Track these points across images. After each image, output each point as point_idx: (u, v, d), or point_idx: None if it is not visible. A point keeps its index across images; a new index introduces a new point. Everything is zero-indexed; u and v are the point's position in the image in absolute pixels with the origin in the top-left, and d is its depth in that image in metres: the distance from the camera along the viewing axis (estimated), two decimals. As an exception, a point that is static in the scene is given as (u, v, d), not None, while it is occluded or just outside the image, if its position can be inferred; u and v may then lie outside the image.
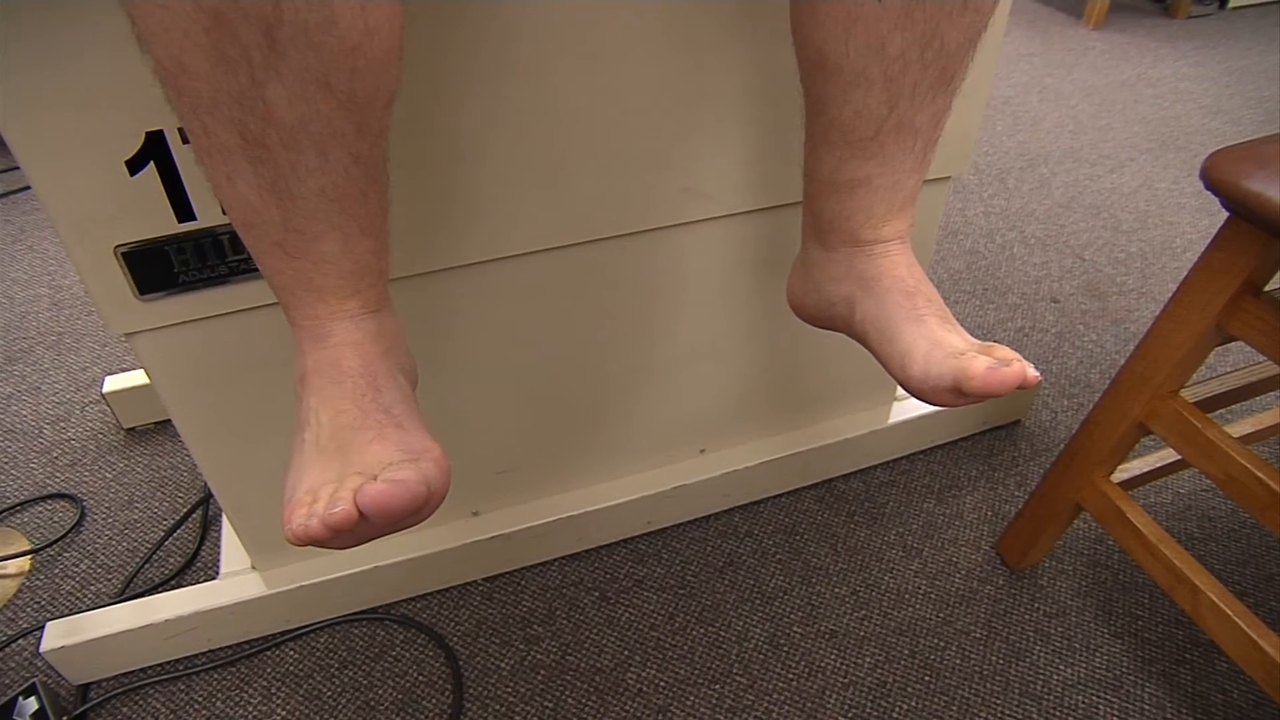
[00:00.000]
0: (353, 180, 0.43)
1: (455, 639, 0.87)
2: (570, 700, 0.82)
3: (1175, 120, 1.81)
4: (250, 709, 0.81)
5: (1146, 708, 0.81)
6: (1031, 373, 0.47)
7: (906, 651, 0.86)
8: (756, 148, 0.71)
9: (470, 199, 0.65)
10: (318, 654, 0.86)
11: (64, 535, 0.97)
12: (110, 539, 0.97)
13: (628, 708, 0.81)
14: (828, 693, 0.83)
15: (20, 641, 0.87)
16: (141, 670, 0.84)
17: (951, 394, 0.48)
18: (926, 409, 1.02)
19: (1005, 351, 0.48)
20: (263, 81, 0.38)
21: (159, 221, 0.58)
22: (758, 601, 0.91)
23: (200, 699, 0.82)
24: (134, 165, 0.55)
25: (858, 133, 0.52)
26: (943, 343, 0.50)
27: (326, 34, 0.37)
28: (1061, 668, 0.84)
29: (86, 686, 0.83)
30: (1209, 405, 0.75)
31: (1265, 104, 1.87)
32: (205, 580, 0.89)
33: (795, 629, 0.88)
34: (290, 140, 0.40)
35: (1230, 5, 2.35)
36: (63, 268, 1.39)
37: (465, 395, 0.79)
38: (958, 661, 0.85)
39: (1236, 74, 2.00)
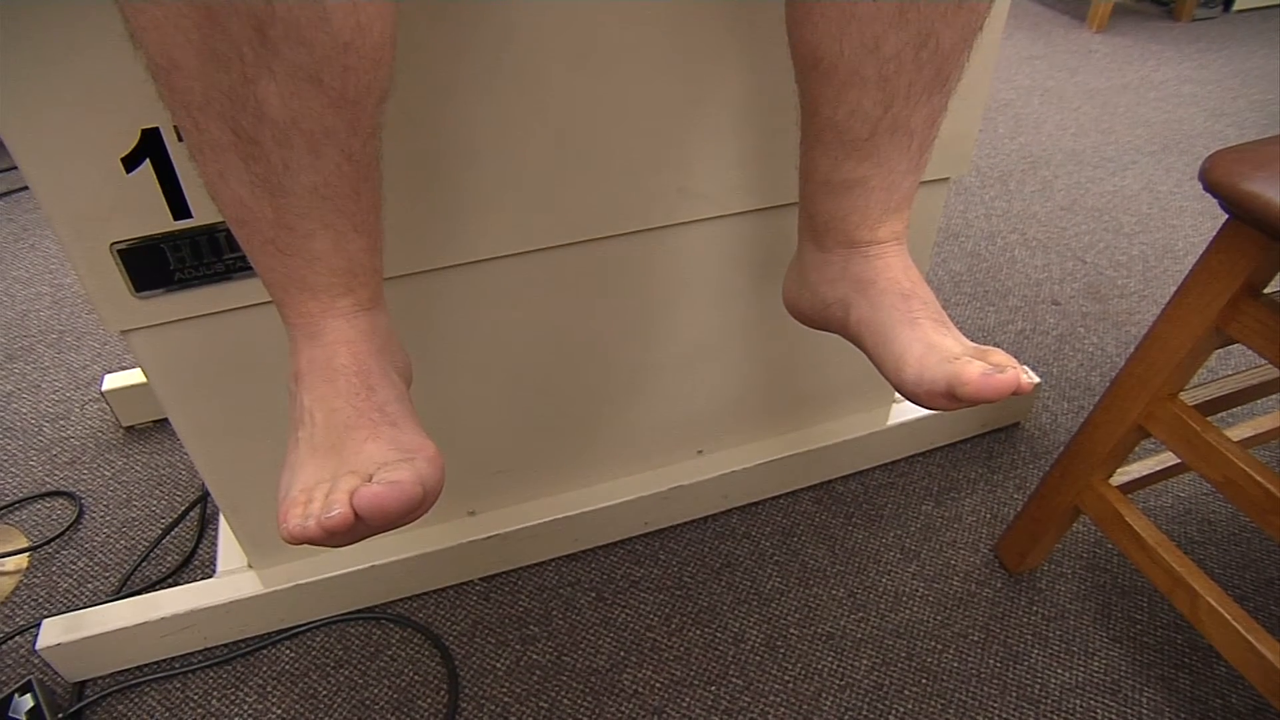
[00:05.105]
0: (345, 178, 0.43)
1: (451, 639, 0.87)
2: (566, 701, 0.82)
3: (1178, 123, 1.81)
4: (246, 707, 0.81)
5: (1145, 712, 0.81)
6: (1026, 379, 0.46)
7: (903, 654, 0.86)
8: (753, 148, 0.71)
9: (465, 198, 0.65)
10: (314, 653, 0.86)
11: (62, 533, 0.97)
12: (108, 537, 0.97)
13: (623, 708, 0.81)
14: (824, 695, 0.82)
15: (17, 638, 0.87)
16: (137, 668, 0.84)
17: (945, 398, 0.48)
18: (925, 411, 1.02)
19: (1001, 356, 0.48)
20: (254, 78, 0.38)
21: (155, 219, 0.58)
22: (754, 603, 0.90)
23: (196, 697, 0.82)
24: (130, 163, 0.55)
25: (853, 133, 0.51)
26: (937, 346, 0.49)
27: (318, 31, 0.37)
28: (1059, 671, 0.84)
29: (82, 684, 0.83)
30: (1209, 408, 0.75)
31: (1269, 107, 1.86)
32: (202, 578, 0.89)
33: (792, 631, 0.88)
34: (282, 137, 0.40)
35: (1235, 8, 2.34)
36: (64, 266, 1.39)
37: (462, 395, 0.79)
38: (955, 664, 0.85)
39: (1240, 77, 2.00)
